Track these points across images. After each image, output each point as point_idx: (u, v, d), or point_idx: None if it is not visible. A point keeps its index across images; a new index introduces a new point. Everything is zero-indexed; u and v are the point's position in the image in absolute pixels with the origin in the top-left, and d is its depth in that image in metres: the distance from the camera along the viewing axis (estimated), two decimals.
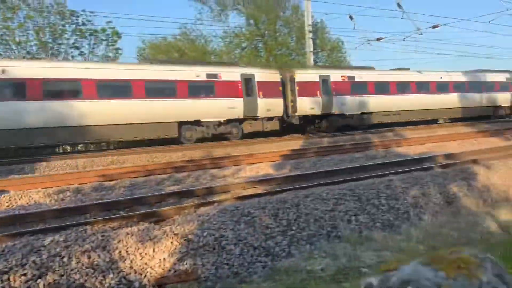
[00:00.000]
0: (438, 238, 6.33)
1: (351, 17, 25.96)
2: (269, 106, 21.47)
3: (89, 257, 5.27)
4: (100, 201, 8.57)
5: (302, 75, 23.27)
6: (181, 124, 19.32)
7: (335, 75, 24.20)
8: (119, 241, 5.61)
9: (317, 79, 23.43)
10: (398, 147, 15.65)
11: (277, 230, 6.41)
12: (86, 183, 10.42)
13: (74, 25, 28.24)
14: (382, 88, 25.65)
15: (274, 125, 22.14)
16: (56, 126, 15.96)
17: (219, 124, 20.45)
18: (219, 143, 19.62)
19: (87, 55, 28.79)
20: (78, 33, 28.36)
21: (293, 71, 23.40)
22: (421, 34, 25.95)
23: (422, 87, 27.30)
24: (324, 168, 11.87)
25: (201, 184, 10.17)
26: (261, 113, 21.35)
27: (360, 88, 24.92)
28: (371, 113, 25.34)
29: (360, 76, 25.11)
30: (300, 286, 4.90)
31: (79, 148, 21.20)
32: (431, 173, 9.86)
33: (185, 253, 5.55)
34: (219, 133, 20.67)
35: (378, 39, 27.41)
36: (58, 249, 5.36)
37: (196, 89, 19.77)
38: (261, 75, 21.80)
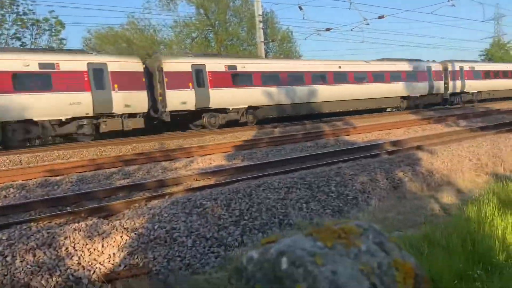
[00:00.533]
0: (384, 222, 6.55)
1: (300, 8, 26.22)
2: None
3: (34, 255, 5.07)
4: (46, 197, 8.24)
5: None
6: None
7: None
8: (65, 238, 5.43)
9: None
10: (347, 135, 16.05)
11: (230, 221, 6.42)
12: (31, 179, 9.97)
13: (14, 15, 26.79)
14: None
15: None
16: None
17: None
18: (172, 134, 19.32)
19: (29, 46, 27.41)
20: (19, 23, 26.93)
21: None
22: (368, 24, 26.62)
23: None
24: (276, 157, 11.99)
25: (152, 177, 9.99)
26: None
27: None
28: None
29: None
30: None
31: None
32: (378, 160, 10.20)
33: (135, 247, 5.44)
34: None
35: (327, 29, 27.87)
36: (0, 248, 5.12)
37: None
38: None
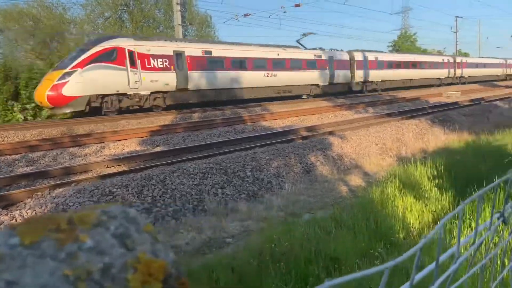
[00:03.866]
0: (297, 204, 6.75)
1: None
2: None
3: None
4: None
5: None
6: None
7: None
8: None
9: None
10: (265, 121, 16.27)
11: (141, 208, 6.22)
12: None
13: None
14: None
15: None
16: None
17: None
18: (82, 119, 18.23)
19: None
20: None
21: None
22: (285, 12, 27.01)
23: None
24: (193, 143, 11.83)
25: (58, 164, 9.37)
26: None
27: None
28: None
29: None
30: None
31: None
32: (293, 145, 10.47)
33: None
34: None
35: (246, 15, 27.95)
36: None
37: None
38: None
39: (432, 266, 0.58)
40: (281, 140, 11.28)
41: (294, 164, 9.12)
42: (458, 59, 44.95)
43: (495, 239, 0.93)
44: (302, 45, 29.04)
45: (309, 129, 13.54)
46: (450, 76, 42.75)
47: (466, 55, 57.12)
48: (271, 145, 10.40)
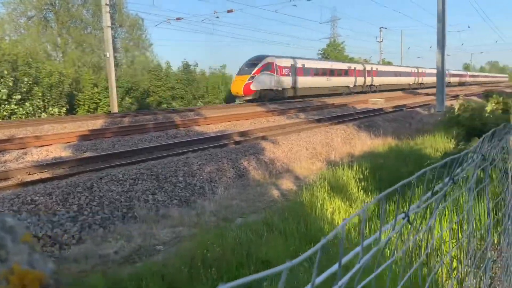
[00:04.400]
0: (229, 209, 6.76)
1: None
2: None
3: None
4: None
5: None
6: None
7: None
8: None
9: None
10: (198, 126, 16.15)
11: (67, 217, 5.92)
12: None
13: None
14: None
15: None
16: None
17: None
18: (3, 122, 17.02)
19: None
20: None
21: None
22: (218, 17, 27.10)
23: None
24: (123, 148, 11.46)
25: None
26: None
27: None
28: None
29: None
30: (91, 272, 4.62)
31: None
32: (226, 150, 10.49)
33: None
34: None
35: (178, 18, 27.61)
36: None
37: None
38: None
39: (335, 267, 0.61)
40: (214, 145, 11.26)
41: (227, 169, 9.13)
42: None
43: (404, 239, 0.99)
44: None
45: (242, 134, 13.63)
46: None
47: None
48: (204, 150, 10.35)
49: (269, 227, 5.31)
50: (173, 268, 4.24)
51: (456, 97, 21.94)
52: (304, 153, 11.38)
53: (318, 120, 17.44)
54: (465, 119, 9.31)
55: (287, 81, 30.93)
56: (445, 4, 20.61)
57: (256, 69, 27.68)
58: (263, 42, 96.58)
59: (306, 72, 33.23)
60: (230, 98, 31.08)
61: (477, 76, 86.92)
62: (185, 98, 32.78)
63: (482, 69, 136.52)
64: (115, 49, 30.08)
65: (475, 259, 1.74)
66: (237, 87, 27.53)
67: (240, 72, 28.44)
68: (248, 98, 27.28)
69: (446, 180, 1.20)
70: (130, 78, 30.77)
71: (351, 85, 39.70)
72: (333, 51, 57.91)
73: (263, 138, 12.36)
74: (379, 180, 7.35)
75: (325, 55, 57.80)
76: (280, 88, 30.05)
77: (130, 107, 28.66)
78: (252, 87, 27.36)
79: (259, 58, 28.86)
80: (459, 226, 2.01)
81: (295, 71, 31.80)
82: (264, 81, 28.06)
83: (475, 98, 26.78)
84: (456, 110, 9.87)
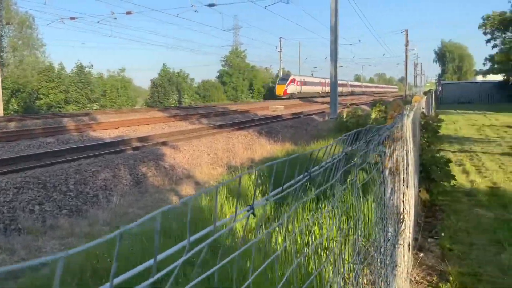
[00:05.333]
0: (125, 217, 6.49)
1: None
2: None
3: None
4: None
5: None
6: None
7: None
8: None
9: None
10: (93, 131, 15.34)
11: None
12: None
13: None
14: None
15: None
16: None
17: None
18: None
19: None
20: None
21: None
22: (116, 19, 26.11)
23: None
24: (6, 155, 10.47)
25: None
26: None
27: None
28: None
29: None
30: None
31: None
32: (123, 156, 10.09)
33: None
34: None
35: (72, 18, 26.01)
36: None
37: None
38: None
39: (151, 261, 0.60)
40: (110, 151, 10.77)
41: (124, 175, 8.78)
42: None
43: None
44: None
45: (141, 139, 13.22)
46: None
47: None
48: (98, 156, 9.85)
49: (166, 234, 5.19)
50: (60, 282, 3.94)
51: (353, 105, 23.59)
52: (206, 159, 11.36)
53: (220, 126, 17.55)
54: (351, 124, 10.08)
55: (299, 89, 51.64)
56: (337, 19, 22.07)
57: (288, 81, 49.48)
58: (165, 47, 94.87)
59: (304, 83, 53.64)
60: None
61: (370, 86, 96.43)
62: (80, 102, 31.00)
63: (371, 80, 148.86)
64: (1, 48, 27.56)
65: (359, 255, 1.86)
66: (280, 91, 48.93)
67: (279, 83, 49.99)
68: (286, 97, 47.30)
69: (303, 175, 1.27)
70: (17, 79, 28.32)
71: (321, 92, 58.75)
72: (235, 58, 58.73)
73: (164, 143, 12.11)
74: (274, 184, 7.56)
75: (227, 63, 58.47)
76: (298, 92, 51.07)
77: (18, 110, 26.36)
78: (288, 91, 49.03)
79: (288, 75, 53.15)
80: (345, 224, 2.13)
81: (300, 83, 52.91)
82: (291, 88, 49.72)
83: (364, 106, 28.94)
84: (344, 116, 10.61)
